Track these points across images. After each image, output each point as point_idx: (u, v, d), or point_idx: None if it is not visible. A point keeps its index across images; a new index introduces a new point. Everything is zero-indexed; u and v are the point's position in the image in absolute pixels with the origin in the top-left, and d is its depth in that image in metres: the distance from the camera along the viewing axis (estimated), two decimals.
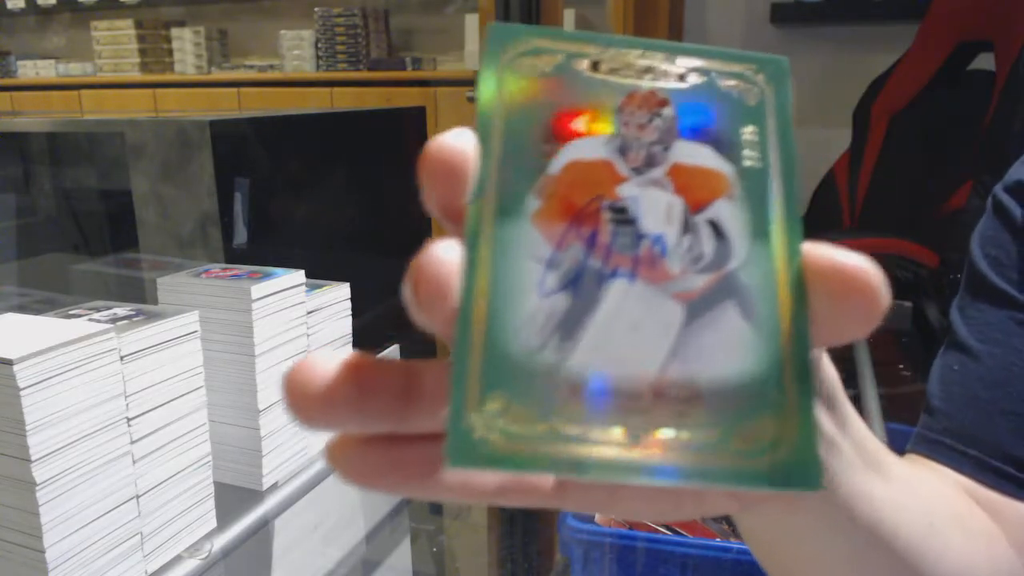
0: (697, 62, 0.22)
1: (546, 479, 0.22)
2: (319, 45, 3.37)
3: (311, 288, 0.80)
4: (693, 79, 0.22)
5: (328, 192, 1.09)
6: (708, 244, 0.20)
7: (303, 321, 0.78)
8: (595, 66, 0.21)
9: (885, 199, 1.90)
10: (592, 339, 0.19)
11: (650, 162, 0.21)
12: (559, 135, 0.20)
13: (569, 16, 2.68)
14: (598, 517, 0.80)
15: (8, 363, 0.50)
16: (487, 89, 0.20)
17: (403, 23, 3.41)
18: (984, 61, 1.78)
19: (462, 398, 0.18)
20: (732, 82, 0.22)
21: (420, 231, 1.20)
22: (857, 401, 1.00)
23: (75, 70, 3.86)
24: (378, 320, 1.02)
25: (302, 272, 0.77)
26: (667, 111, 0.21)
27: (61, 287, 1.11)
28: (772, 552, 0.33)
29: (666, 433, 0.18)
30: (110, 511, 0.58)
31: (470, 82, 2.57)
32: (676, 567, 0.72)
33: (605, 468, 0.18)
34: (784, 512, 0.29)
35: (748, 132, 0.21)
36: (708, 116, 0.21)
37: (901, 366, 1.20)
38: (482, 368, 0.18)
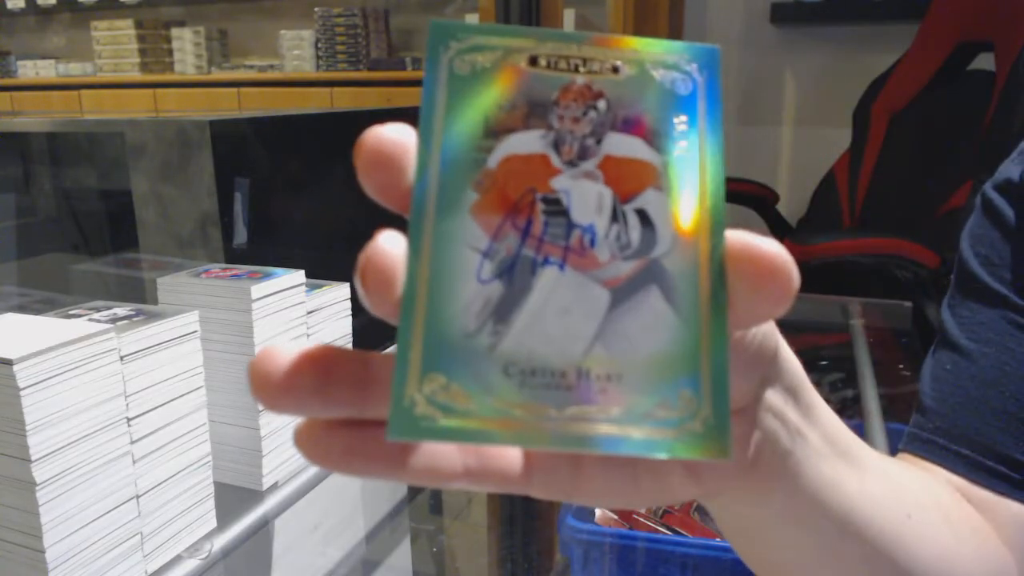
0: (631, 53, 0.23)
1: (512, 464, 0.23)
2: (319, 45, 3.37)
3: (311, 288, 0.80)
4: (627, 70, 0.22)
5: (328, 192, 1.08)
6: (635, 233, 0.21)
7: (303, 321, 0.78)
8: (533, 61, 0.22)
9: (885, 199, 1.90)
10: (524, 323, 0.20)
11: (583, 155, 0.22)
12: (497, 130, 0.21)
13: (569, 16, 2.68)
14: (598, 516, 0.80)
15: (8, 363, 0.50)
16: (429, 86, 0.21)
17: (403, 23, 3.41)
18: (984, 61, 1.79)
19: (404, 377, 0.19)
20: (665, 72, 0.23)
21: None
22: (857, 401, 1.00)
23: (75, 70, 3.86)
24: (378, 320, 1.02)
25: (302, 272, 0.77)
26: (601, 103, 0.22)
27: (61, 287, 1.11)
28: (747, 543, 0.33)
29: (589, 408, 0.20)
30: (110, 511, 0.58)
31: None
32: (676, 567, 0.72)
33: (531, 439, 0.20)
34: (752, 502, 0.29)
35: (679, 121, 0.22)
36: (641, 107, 0.22)
37: (901, 366, 1.20)
38: (423, 350, 0.20)
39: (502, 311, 0.20)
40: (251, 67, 3.55)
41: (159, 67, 3.71)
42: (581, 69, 0.22)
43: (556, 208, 0.21)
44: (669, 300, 0.21)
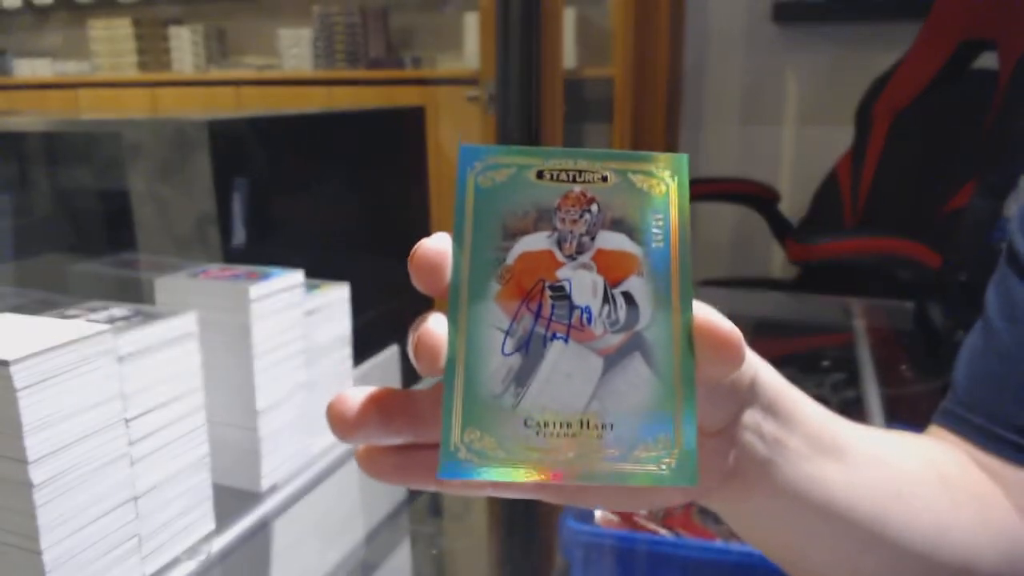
0: (616, 164, 0.28)
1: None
2: (318, 44, 3.36)
3: (310, 288, 0.80)
4: (613, 179, 0.28)
5: (327, 192, 1.08)
6: (622, 311, 0.27)
7: (302, 321, 0.78)
8: (540, 174, 0.28)
9: (888, 199, 1.90)
10: (538, 386, 0.26)
11: (580, 249, 0.27)
12: (513, 232, 0.27)
13: (569, 16, 2.68)
14: (598, 518, 0.79)
15: (5, 364, 0.50)
16: (460, 198, 0.27)
17: (402, 22, 3.41)
18: (987, 60, 1.78)
19: (450, 431, 0.25)
20: (642, 178, 0.28)
21: (419, 231, 1.20)
22: (859, 402, 0.99)
23: (72, 69, 3.85)
24: (377, 320, 1.02)
25: (301, 272, 0.77)
26: (594, 207, 0.28)
27: (58, 287, 1.10)
28: (745, 530, 0.39)
29: (589, 450, 0.26)
30: (108, 513, 0.58)
31: (469, 81, 2.56)
32: (676, 569, 0.71)
33: (545, 475, 0.26)
34: (738, 500, 0.35)
35: (655, 219, 0.28)
36: (625, 209, 0.28)
37: (903, 366, 1.20)
38: (463, 410, 0.25)
39: (521, 377, 0.26)
40: (249, 66, 3.55)
41: (157, 66, 3.70)
42: (577, 179, 0.28)
43: (560, 294, 0.27)
44: (650, 364, 0.26)
